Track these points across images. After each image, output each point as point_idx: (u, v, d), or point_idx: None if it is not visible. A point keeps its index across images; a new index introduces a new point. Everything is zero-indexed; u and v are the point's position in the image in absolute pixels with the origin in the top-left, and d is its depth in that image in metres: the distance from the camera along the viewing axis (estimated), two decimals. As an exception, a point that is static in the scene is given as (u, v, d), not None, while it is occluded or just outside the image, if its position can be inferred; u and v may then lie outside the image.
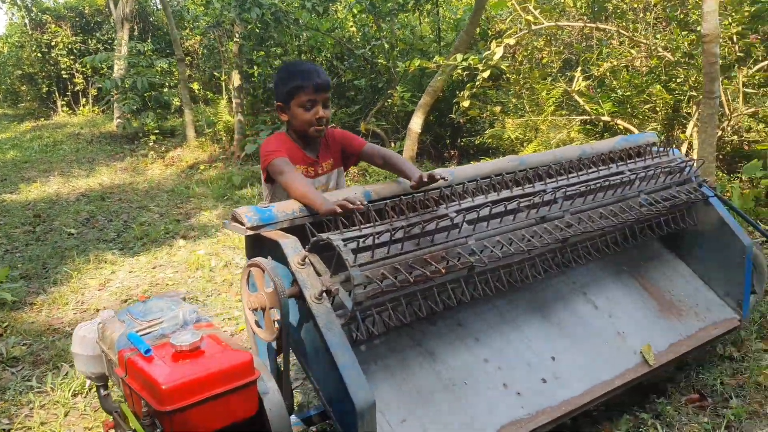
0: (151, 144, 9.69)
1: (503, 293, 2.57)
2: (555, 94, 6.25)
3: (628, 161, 2.99)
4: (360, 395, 1.82)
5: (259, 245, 2.17)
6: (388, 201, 2.29)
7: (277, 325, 1.92)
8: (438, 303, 2.25)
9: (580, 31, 6.67)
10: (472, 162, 6.86)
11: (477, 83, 5.97)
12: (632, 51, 5.86)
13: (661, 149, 3.13)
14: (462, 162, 7.63)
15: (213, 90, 10.76)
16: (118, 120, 11.31)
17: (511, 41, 5.56)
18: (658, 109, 5.89)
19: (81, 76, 14.21)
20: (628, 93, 6.10)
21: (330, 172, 2.68)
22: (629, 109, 6.16)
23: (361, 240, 2.05)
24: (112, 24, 12.98)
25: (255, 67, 9.23)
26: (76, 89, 14.48)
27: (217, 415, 1.69)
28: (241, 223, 2.10)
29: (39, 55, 13.93)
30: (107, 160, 9.44)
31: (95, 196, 7.21)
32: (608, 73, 6.35)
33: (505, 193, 2.55)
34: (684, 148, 5.63)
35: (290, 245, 2.01)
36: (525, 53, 7.03)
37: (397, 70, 6.22)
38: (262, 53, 8.86)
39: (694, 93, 5.53)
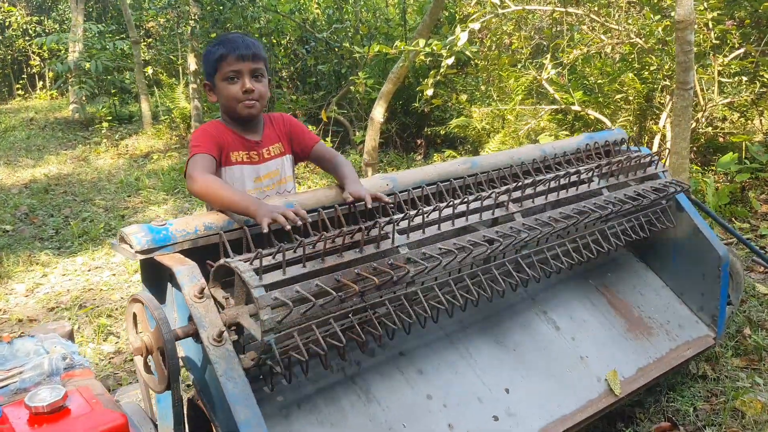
0: (104, 131, 9.21)
1: (452, 314, 2.27)
2: (524, 82, 5.94)
3: (593, 161, 2.70)
4: (263, 461, 1.51)
5: (156, 270, 1.83)
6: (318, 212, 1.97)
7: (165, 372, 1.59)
8: (372, 327, 1.94)
9: (550, 16, 6.36)
10: (447, 152, 6.54)
11: (441, 71, 5.64)
12: (602, 37, 5.57)
13: (630, 148, 2.84)
14: (428, 152, 7.32)
15: (172, 74, 10.28)
16: (73, 105, 10.80)
17: (476, 26, 5.23)
18: (630, 98, 5.62)
19: (38, 58, 13.61)
20: (600, 81, 5.82)
21: (279, 157, 2.31)
22: (601, 99, 5.88)
23: (272, 258, 1.73)
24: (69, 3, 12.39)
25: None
26: (32, 72, 13.88)
27: (79, 493, 1.36)
28: (130, 245, 1.76)
29: (-9, 36, 13.30)
30: (58, 148, 8.96)
31: (39, 188, 6.77)
32: (579, 61, 6.07)
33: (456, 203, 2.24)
34: (656, 141, 5.37)
35: (186, 273, 1.67)
36: (493, 38, 6.71)
37: (355, 55, 5.86)
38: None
39: (667, 83, 5.26)
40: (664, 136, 5.29)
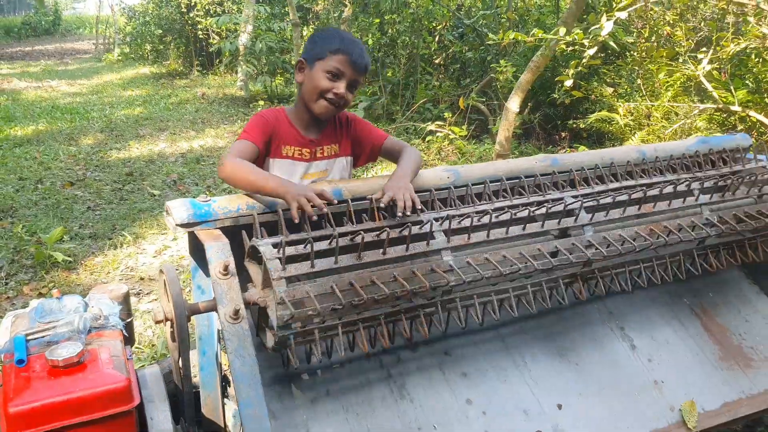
0: (259, 109, 9.75)
1: (511, 318, 2.14)
2: (677, 78, 5.44)
3: (702, 169, 2.40)
4: (255, 440, 1.51)
5: (201, 245, 1.89)
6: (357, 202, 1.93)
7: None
8: (415, 326, 1.87)
9: (717, 4, 5.75)
10: (581, 148, 6.21)
11: (583, 61, 5.31)
12: (765, 30, 4.95)
13: (756, 156, 2.50)
14: (573, 145, 6.97)
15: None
16: (240, 83, 11.53)
17: (623, 14, 4.85)
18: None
19: (216, 37, 14.67)
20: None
21: (333, 158, 2.27)
22: (767, 99, 5.25)
23: (303, 247, 1.72)
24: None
25: (369, 35, 8.97)
26: (211, 50, 14.98)
27: (77, 448, 1.44)
28: (173, 219, 1.83)
29: (178, 15, 14.50)
30: (219, 122, 9.62)
31: (192, 158, 7.33)
32: (747, 56, 5.45)
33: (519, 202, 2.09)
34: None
35: (215, 249, 1.71)
36: (652, 29, 6.21)
37: (489, 42, 5.69)
38: (377, 21, 8.56)
39: None
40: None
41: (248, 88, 10.79)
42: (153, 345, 3.24)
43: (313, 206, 1.76)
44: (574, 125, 6.76)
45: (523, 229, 1.96)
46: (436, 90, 7.68)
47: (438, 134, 6.63)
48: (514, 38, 5.06)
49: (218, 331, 1.99)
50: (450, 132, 6.58)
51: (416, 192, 1.98)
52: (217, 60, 15.05)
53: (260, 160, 2.13)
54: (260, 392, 1.57)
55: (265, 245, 1.71)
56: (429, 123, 6.82)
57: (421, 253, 1.83)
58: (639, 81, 6.17)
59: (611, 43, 5.03)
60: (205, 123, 9.56)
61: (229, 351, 1.59)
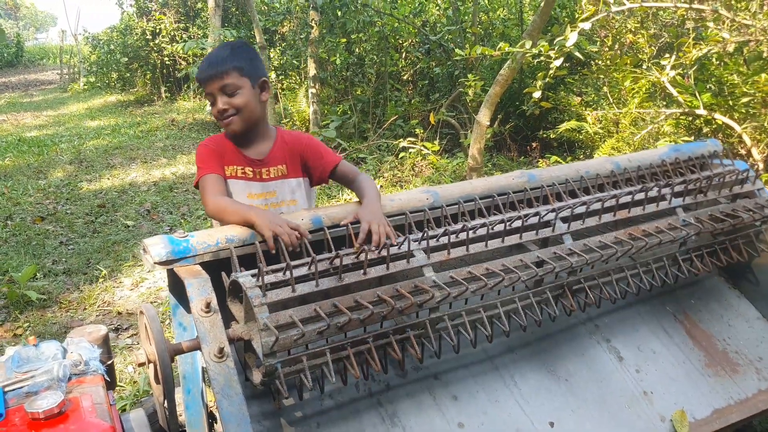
0: (231, 133, 9.70)
1: (498, 335, 2.13)
2: (642, 85, 5.52)
3: (676, 177, 2.43)
4: (248, 483, 1.48)
5: (181, 282, 1.86)
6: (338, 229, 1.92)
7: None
8: (405, 349, 1.86)
9: (676, 12, 5.87)
10: (552, 158, 6.27)
11: (550, 72, 5.38)
12: (725, 35, 5.06)
13: (723, 161, 2.54)
14: (543, 155, 7.04)
15: (296, 79, 10.63)
16: (209, 107, 11.46)
17: (587, 25, 4.93)
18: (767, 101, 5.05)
19: (184, 62, 14.58)
20: (731, 81, 5.29)
21: (280, 179, 2.24)
22: (731, 102, 5.35)
23: (282, 274, 1.70)
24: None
25: (337, 55, 8.99)
26: (178, 75, 14.90)
27: (62, 501, 1.40)
28: (150, 256, 1.79)
29: (143, 42, 14.41)
30: (191, 148, 9.54)
31: (165, 186, 7.25)
32: (710, 60, 5.55)
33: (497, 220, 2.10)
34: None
35: (196, 286, 1.68)
36: (615, 37, 6.31)
37: (456, 57, 5.73)
38: (344, 40, 8.58)
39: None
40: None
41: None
42: (134, 382, 3.18)
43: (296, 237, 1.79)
44: (545, 135, 6.82)
45: (502, 241, 1.96)
46: (406, 106, 7.71)
47: (411, 150, 6.65)
48: (480, 53, 5.10)
49: (202, 368, 1.96)
50: (422, 147, 6.61)
51: (395, 216, 1.99)
52: (185, 85, 14.97)
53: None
54: (249, 431, 1.54)
55: (244, 276, 1.69)
56: (401, 139, 6.84)
57: (402, 272, 1.82)
58: (605, 89, 6.26)
59: (576, 54, 5.09)
60: (177, 149, 9.48)
61: (215, 391, 1.56)
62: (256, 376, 1.73)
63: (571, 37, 4.94)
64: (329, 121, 7.94)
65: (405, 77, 8.87)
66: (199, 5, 14.75)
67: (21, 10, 66.09)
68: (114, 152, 9.54)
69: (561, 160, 5.77)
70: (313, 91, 8.39)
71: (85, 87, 19.35)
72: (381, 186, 6.44)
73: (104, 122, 12.70)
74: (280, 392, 1.75)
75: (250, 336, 1.68)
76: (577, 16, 6.97)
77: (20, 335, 3.75)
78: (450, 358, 2.11)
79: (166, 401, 1.63)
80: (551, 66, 5.20)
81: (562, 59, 5.11)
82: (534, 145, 7.21)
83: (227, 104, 2.11)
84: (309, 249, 1.81)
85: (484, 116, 5.92)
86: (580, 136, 5.89)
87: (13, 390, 1.56)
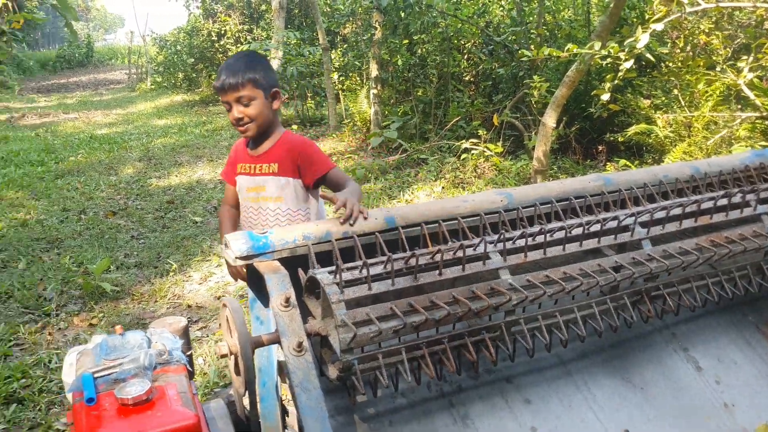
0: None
1: (571, 340, 2.10)
2: (716, 87, 5.35)
3: (761, 183, 2.35)
4: (325, 476, 1.50)
5: (260, 277, 1.90)
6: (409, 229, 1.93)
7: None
8: (480, 351, 1.85)
9: (752, 12, 5.67)
10: (620, 161, 6.14)
11: (619, 74, 5.27)
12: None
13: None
14: (610, 159, 6.90)
15: (358, 80, 10.73)
16: (272, 107, 11.66)
17: (659, 26, 4.81)
18: None
19: (246, 63, 14.88)
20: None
21: (269, 176, 2.42)
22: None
23: (359, 272, 1.72)
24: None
25: (398, 56, 9.02)
26: (242, 76, 15.22)
27: (150, 486, 1.45)
28: (232, 251, 1.84)
29: (208, 43, 14.77)
30: (254, 147, 9.74)
31: (229, 185, 7.41)
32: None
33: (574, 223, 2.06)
34: None
35: (275, 281, 1.71)
36: (688, 39, 6.13)
37: (523, 59, 5.66)
38: (406, 42, 8.61)
39: None
40: None
41: (280, 113, 10.90)
42: (204, 374, 3.26)
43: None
44: (611, 138, 6.68)
45: (580, 245, 1.93)
46: (468, 107, 7.67)
47: (473, 151, 6.61)
48: (548, 54, 5.04)
49: (278, 362, 1.99)
50: (485, 149, 6.56)
51: (468, 217, 1.99)
52: (248, 85, 15.27)
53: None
54: (327, 425, 1.56)
55: (321, 273, 1.72)
56: (463, 141, 6.80)
57: (477, 274, 1.82)
58: (676, 92, 6.09)
59: (647, 55, 4.97)
60: (240, 148, 9.67)
61: (294, 384, 1.59)
62: (332, 372, 1.75)
63: (643, 39, 4.83)
64: (390, 121, 7.96)
65: (466, 78, 8.83)
66: (263, 7, 15.04)
67: (92, 12, 68.68)
68: (181, 150, 9.81)
69: (630, 164, 5.64)
70: (375, 92, 8.43)
71: (152, 86, 19.95)
72: (442, 187, 6.43)
73: (171, 121, 13.08)
74: (355, 388, 1.77)
75: (327, 332, 1.70)
76: (647, 16, 6.81)
77: (96, 325, 3.90)
78: (522, 361, 2.09)
79: (246, 392, 1.66)
80: (621, 68, 5.09)
81: (632, 61, 5.00)
82: (600, 148, 7.07)
83: (242, 113, 2.32)
84: (384, 248, 1.82)
85: (550, 118, 5.85)
86: (650, 140, 5.75)
87: (102, 377, 1.62)
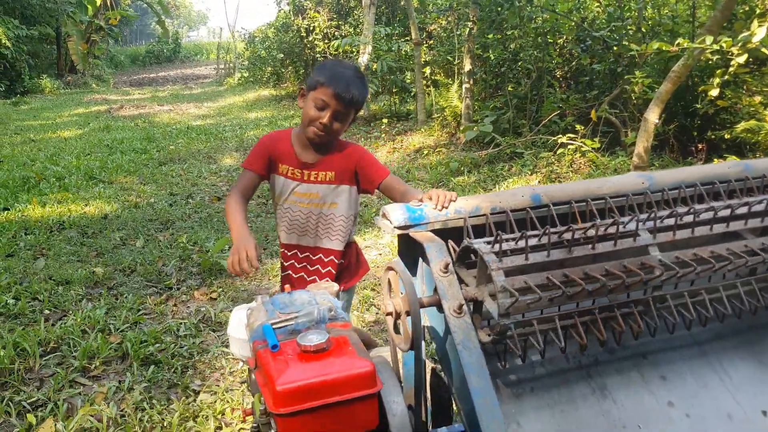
0: (383, 127, 10.04)
1: (706, 324, 2.14)
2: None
3: None
4: (491, 426, 1.60)
5: (410, 245, 2.03)
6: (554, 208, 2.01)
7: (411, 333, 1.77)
8: (617, 324, 1.92)
9: None
10: (715, 161, 6.01)
11: (730, 70, 5.18)
12: None
13: None
14: (710, 158, 6.74)
15: (448, 75, 10.81)
16: (360, 102, 11.91)
17: (777, 20, 4.70)
18: None
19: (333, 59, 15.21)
20: None
21: (327, 184, 2.47)
22: None
23: (515, 243, 1.82)
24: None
25: (490, 51, 9.06)
26: (328, 72, 15.54)
27: (331, 425, 1.59)
28: (390, 221, 1.97)
29: (298, 39, 15.15)
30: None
31: (325, 174, 7.64)
32: None
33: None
34: None
35: (435, 249, 1.83)
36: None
37: (632, 53, 5.61)
38: (499, 37, 8.65)
39: None
40: None
41: (369, 107, 11.10)
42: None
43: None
44: (713, 136, 6.53)
45: (727, 226, 1.97)
46: (563, 103, 7.64)
47: (569, 147, 6.60)
48: (657, 48, 5.00)
49: (424, 327, 2.12)
50: (582, 144, 6.53)
51: (614, 197, 2.05)
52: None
53: (267, 177, 2.52)
54: (489, 382, 1.67)
55: (478, 243, 1.82)
56: (560, 135, 6.79)
57: (628, 249, 1.88)
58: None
59: (763, 50, 4.86)
60: (331, 141, 9.93)
61: (456, 343, 1.70)
62: (484, 336, 1.86)
63: (759, 33, 4.73)
64: (482, 116, 8.02)
65: (559, 74, 8.79)
66: (352, 3, 15.31)
67: (179, 9, 71.24)
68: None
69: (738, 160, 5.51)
70: (467, 86, 8.50)
71: (240, 81, 20.58)
72: (538, 181, 6.45)
73: (260, 114, 13.52)
74: (506, 352, 1.87)
75: (482, 297, 1.81)
76: (758, 11, 6.62)
77: (216, 299, 4.15)
78: (657, 339, 2.14)
79: (410, 350, 1.79)
80: (732, 62, 5.00)
81: (745, 56, 4.90)
82: (700, 146, 6.92)
83: (330, 123, 2.33)
84: (536, 222, 1.91)
85: (652, 113, 5.78)
86: (758, 138, 5.60)
87: (281, 328, 1.78)
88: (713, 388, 2.08)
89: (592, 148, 6.52)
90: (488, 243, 1.82)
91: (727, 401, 2.06)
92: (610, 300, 1.90)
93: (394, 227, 1.96)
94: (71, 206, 6.39)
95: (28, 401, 2.96)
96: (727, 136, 5.92)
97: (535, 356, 2.04)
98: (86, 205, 6.49)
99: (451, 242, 1.95)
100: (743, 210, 1.98)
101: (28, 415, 2.83)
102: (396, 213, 1.97)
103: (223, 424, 2.83)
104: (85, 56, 21.99)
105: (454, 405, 2.18)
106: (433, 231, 1.99)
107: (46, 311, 3.94)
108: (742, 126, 5.52)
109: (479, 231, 1.99)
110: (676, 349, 2.15)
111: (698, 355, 2.16)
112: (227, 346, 3.52)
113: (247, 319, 1.99)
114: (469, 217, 2.00)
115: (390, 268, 1.85)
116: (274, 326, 1.79)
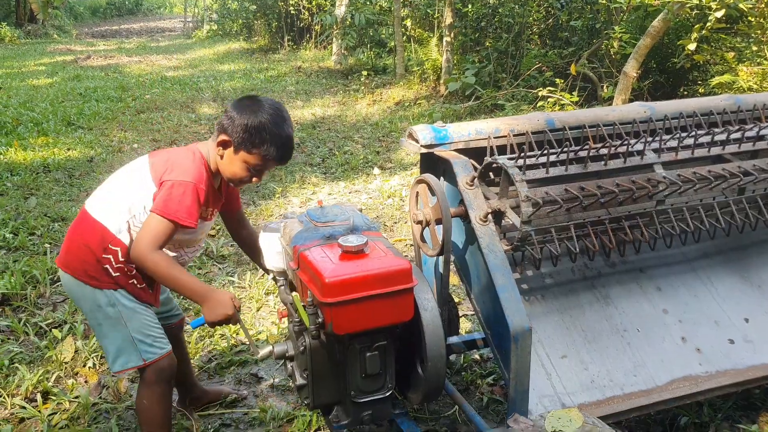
0: (362, 80, 10.07)
1: (696, 242, 2.35)
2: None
3: None
4: (515, 319, 1.78)
5: (432, 164, 2.18)
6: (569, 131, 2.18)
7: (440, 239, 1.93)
8: (614, 239, 2.11)
9: None
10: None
11: (708, 24, 5.38)
12: None
13: None
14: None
15: (426, 28, 10.84)
16: (335, 56, 11.87)
17: (754, -24, 4.90)
18: None
19: (306, 12, 15.03)
20: None
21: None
22: None
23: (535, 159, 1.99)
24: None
25: (469, 5, 9.13)
26: (301, 25, 15.39)
27: (372, 314, 1.75)
28: (416, 141, 2.11)
29: (271, -9, 14.92)
30: (322, 93, 10.00)
31: (307, 125, 7.70)
32: None
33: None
34: None
35: (461, 165, 1.99)
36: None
37: (613, 7, 5.76)
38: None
39: None
40: None
41: (346, 60, 11.10)
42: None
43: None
44: (686, 92, 6.77)
45: (722, 149, 2.16)
46: (542, 58, 7.80)
47: (549, 100, 6.77)
48: (639, 2, 5.16)
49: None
50: (561, 97, 6.71)
51: (622, 123, 2.23)
52: (307, 35, 15.45)
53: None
54: (512, 279, 1.84)
55: (502, 159, 1.98)
56: (540, 88, 6.96)
57: (636, 166, 2.06)
58: (758, 46, 6.15)
59: (740, 6, 5.05)
60: (309, 94, 9.94)
61: (482, 247, 1.87)
62: (504, 245, 2.02)
63: (736, -13, 4.92)
64: (463, 69, 8.12)
65: (537, 30, 8.91)
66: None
67: (141, -39, 68.81)
68: (250, 93, 10.10)
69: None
70: (448, 39, 8.58)
71: (208, 34, 20.18)
72: (518, 133, 6.62)
73: (234, 66, 13.36)
74: (519, 263, 2.05)
75: (505, 208, 1.97)
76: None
77: (214, 236, 4.25)
78: (653, 256, 2.35)
79: (439, 255, 1.95)
80: (710, 17, 5.20)
81: (723, 10, 5.10)
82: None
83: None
84: (553, 143, 2.07)
85: (631, 68, 5.98)
86: (731, 92, 5.84)
87: (318, 234, 1.92)
88: (702, 298, 2.30)
89: (571, 102, 6.70)
90: (511, 159, 1.98)
91: (714, 309, 2.28)
92: (619, 212, 2.08)
93: (421, 146, 2.10)
94: (54, 150, 6.36)
95: (44, 323, 3.06)
96: (701, 91, 6.15)
97: (545, 268, 2.23)
98: (69, 149, 6.47)
99: (471, 161, 2.10)
100: (737, 135, 2.16)
101: (53, 330, 2.94)
102: (423, 133, 2.11)
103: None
104: (45, 5, 21.28)
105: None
106: (456, 150, 2.14)
107: (46, 245, 4.00)
108: (716, 80, 5.75)
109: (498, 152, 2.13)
110: (670, 265, 2.36)
111: (690, 270, 2.38)
112: (231, 276, 3.65)
113: (282, 230, 2.12)
114: (496, 137, 2.15)
115: (421, 181, 2.00)
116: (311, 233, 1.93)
